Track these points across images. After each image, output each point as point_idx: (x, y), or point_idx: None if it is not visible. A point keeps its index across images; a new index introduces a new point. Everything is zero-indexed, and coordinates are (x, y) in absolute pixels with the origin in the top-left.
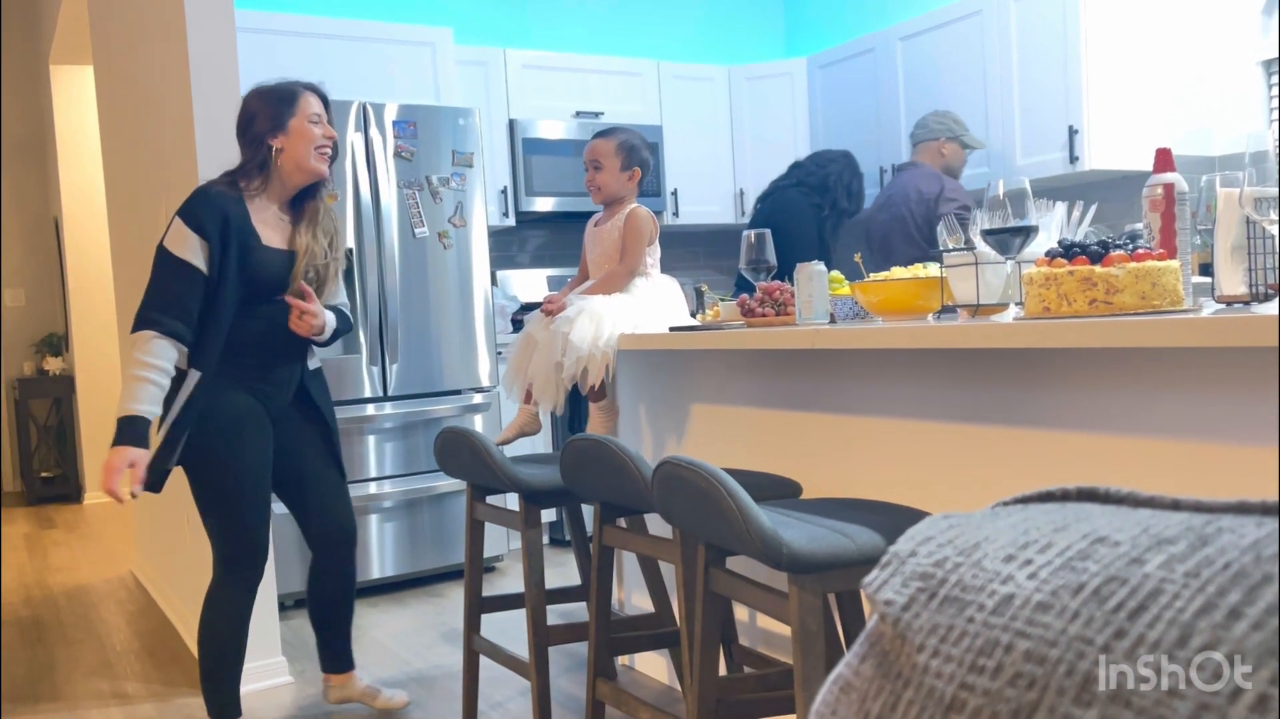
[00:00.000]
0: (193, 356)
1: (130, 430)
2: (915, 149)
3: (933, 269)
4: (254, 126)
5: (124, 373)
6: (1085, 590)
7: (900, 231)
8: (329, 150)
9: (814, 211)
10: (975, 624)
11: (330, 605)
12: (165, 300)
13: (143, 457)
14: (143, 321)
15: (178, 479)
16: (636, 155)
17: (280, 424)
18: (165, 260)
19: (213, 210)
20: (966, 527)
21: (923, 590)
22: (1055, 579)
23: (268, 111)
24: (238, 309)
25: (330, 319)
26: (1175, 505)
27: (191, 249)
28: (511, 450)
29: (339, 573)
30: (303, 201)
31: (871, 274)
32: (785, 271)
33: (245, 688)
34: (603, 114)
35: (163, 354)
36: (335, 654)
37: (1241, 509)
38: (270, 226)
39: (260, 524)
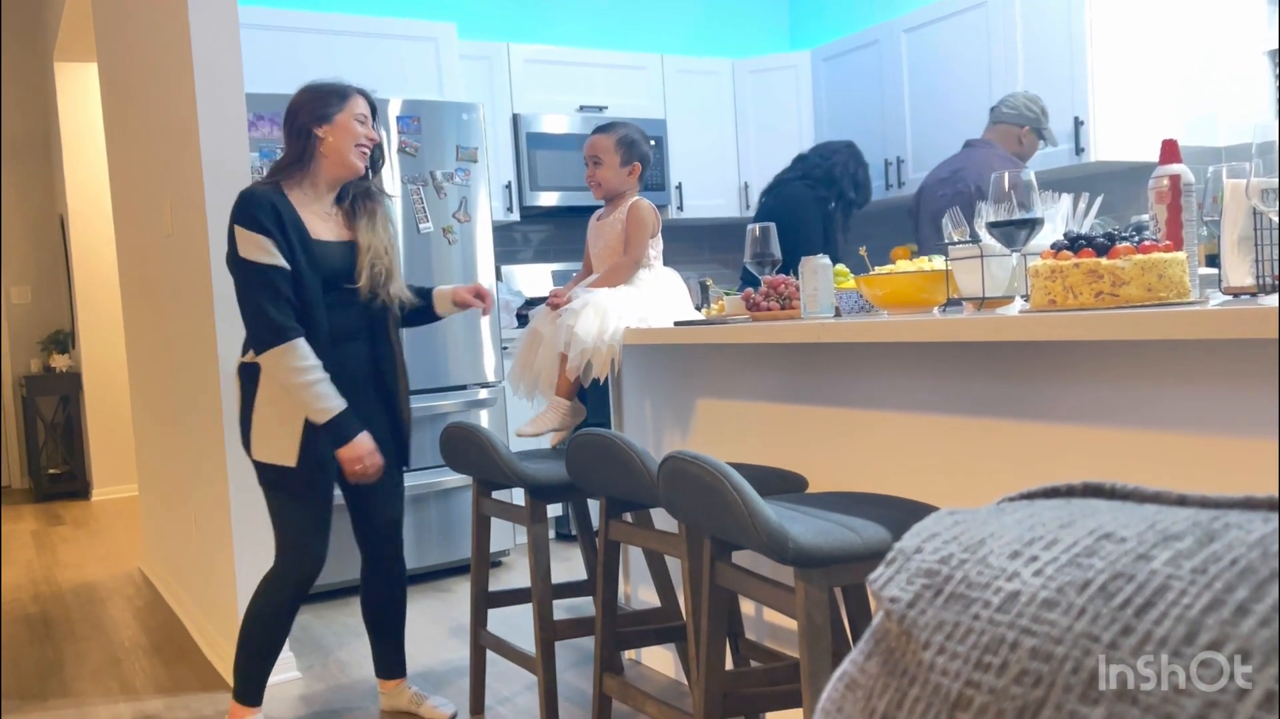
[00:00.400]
0: None
1: (347, 425)
2: (993, 127)
3: (938, 262)
4: (300, 116)
5: (292, 385)
6: (1091, 587)
7: (965, 208)
8: (368, 150)
9: (819, 205)
10: (981, 621)
11: (385, 609)
12: (277, 304)
13: (369, 440)
14: (272, 334)
15: (184, 477)
16: (636, 150)
17: (369, 423)
18: (248, 270)
19: (264, 207)
20: (972, 523)
21: (928, 587)
22: (1061, 576)
23: (316, 103)
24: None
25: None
26: (1182, 501)
27: (265, 249)
28: (516, 445)
29: (392, 578)
30: (357, 200)
31: (902, 259)
32: (791, 265)
33: None
34: (607, 108)
35: (310, 354)
36: (386, 659)
37: (1248, 505)
38: (318, 218)
39: (322, 534)
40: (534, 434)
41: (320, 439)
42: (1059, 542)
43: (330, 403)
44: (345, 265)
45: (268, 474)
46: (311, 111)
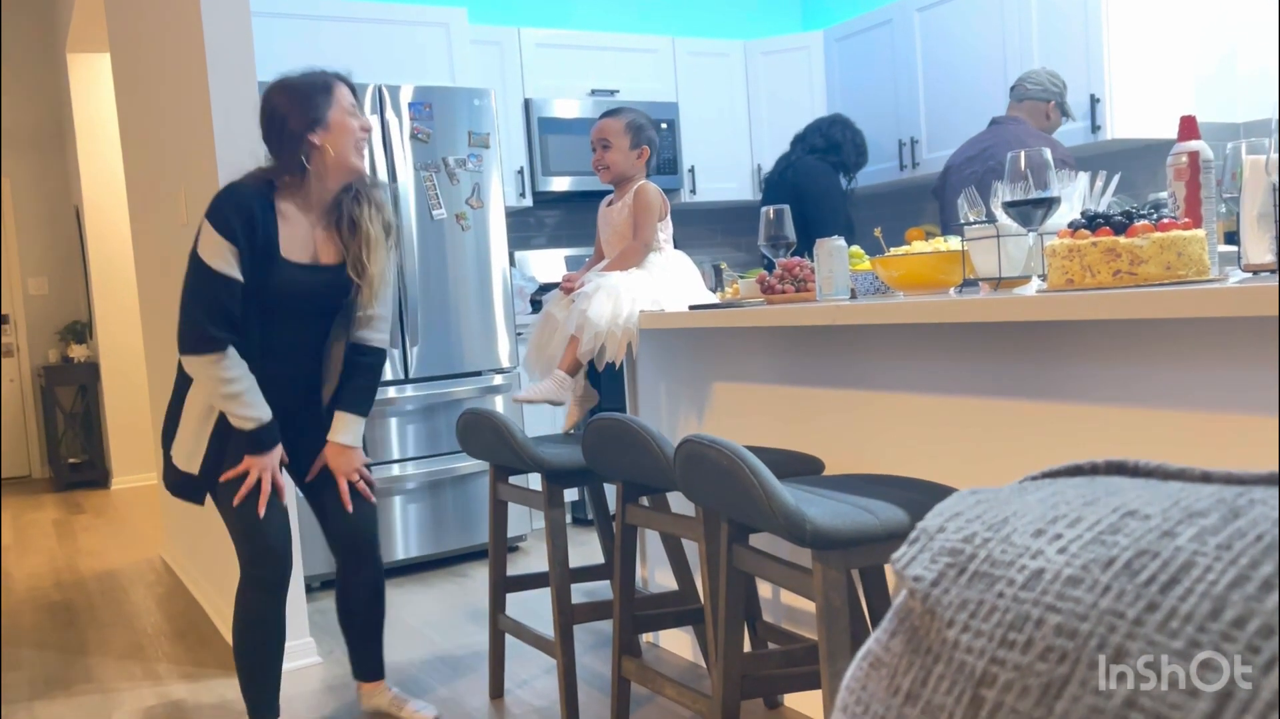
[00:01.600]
0: None
1: (273, 435)
2: (1019, 104)
3: (954, 242)
4: (290, 124)
5: (218, 395)
6: (1116, 564)
7: (991, 186)
8: (364, 145)
9: (835, 172)
10: (1005, 599)
11: (356, 614)
12: (215, 314)
13: (274, 460)
14: (203, 342)
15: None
16: (644, 134)
17: (306, 429)
18: (202, 271)
19: (242, 212)
20: (994, 502)
21: (951, 566)
22: (1085, 553)
23: (304, 105)
24: (263, 318)
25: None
26: (1206, 478)
27: (225, 259)
28: (532, 430)
29: (362, 582)
30: (350, 212)
31: (917, 240)
32: (816, 237)
33: None
34: (618, 92)
35: (238, 364)
36: (363, 662)
37: (1273, 481)
38: (299, 240)
39: (275, 527)
40: (527, 401)
41: (229, 448)
42: (1083, 519)
43: (257, 411)
44: (313, 288)
45: (177, 480)
46: (302, 116)
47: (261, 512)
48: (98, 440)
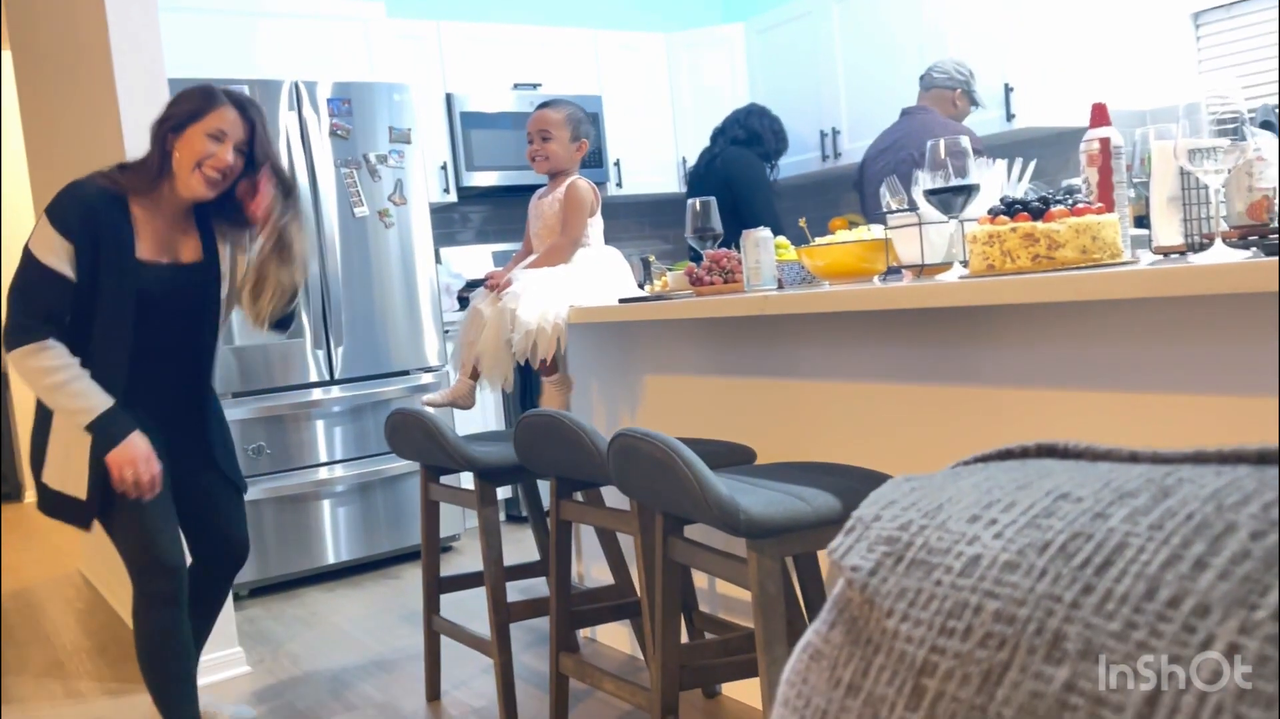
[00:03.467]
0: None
1: (121, 422)
2: (927, 93)
3: (877, 231)
4: (162, 122)
5: (43, 389)
6: (1051, 548)
7: (907, 175)
8: (215, 176)
9: (758, 162)
10: (943, 587)
11: (202, 619)
12: (37, 308)
13: (143, 444)
14: (24, 332)
15: None
16: (583, 127)
17: (188, 430)
18: (31, 266)
19: (83, 210)
20: (929, 489)
21: (889, 555)
22: (1021, 538)
23: (180, 109)
24: (132, 319)
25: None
26: (1133, 458)
27: (57, 254)
28: (463, 428)
29: (220, 591)
30: (224, 220)
31: (841, 229)
32: (746, 226)
33: (204, 680)
34: (541, 85)
35: (61, 355)
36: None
37: (1199, 459)
38: (155, 237)
39: (167, 536)
40: (436, 405)
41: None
42: (1017, 503)
43: (91, 401)
44: (174, 287)
45: (54, 503)
46: (170, 117)
47: (147, 496)
48: (8, 452)
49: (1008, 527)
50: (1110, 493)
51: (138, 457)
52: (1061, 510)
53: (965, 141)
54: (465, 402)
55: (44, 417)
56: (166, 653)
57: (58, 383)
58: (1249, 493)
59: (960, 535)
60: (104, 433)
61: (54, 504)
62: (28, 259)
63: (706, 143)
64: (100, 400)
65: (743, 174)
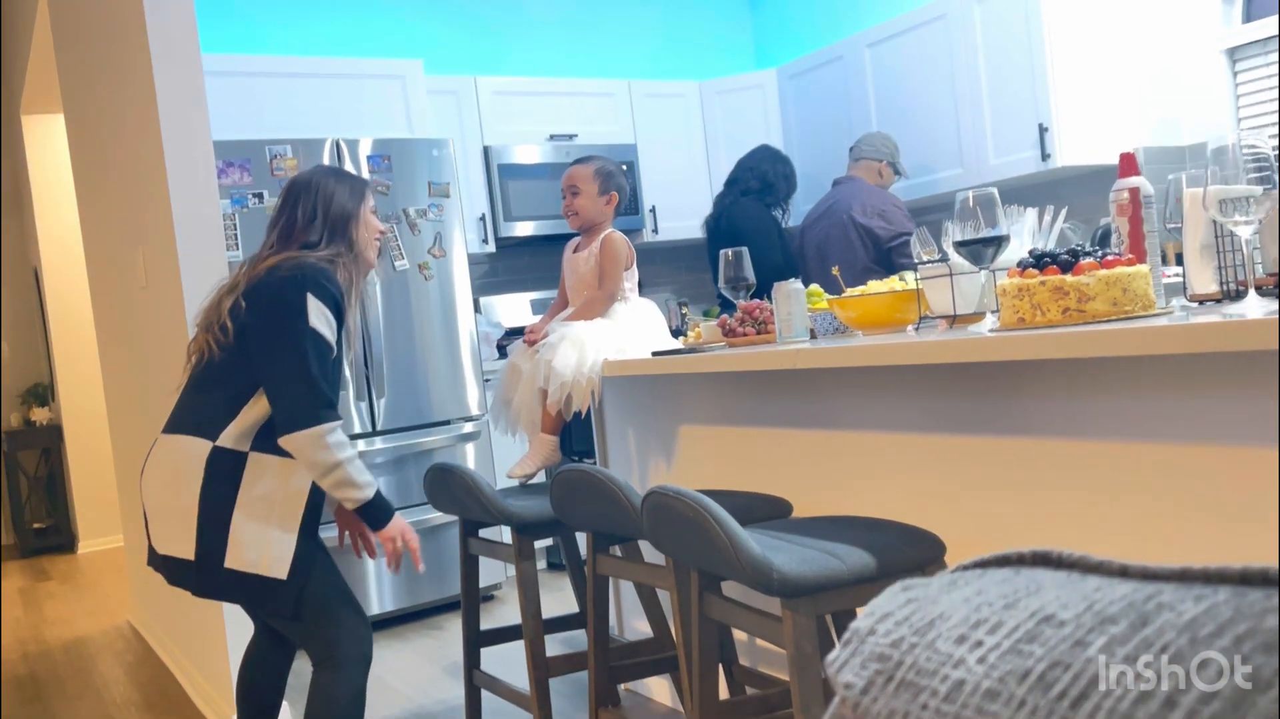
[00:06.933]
0: None
1: (386, 501)
2: (855, 164)
3: (910, 280)
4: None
5: (330, 465)
6: (1031, 677)
7: (840, 239)
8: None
9: (770, 214)
10: (929, 711)
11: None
12: (328, 383)
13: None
14: (326, 409)
15: None
16: (613, 181)
17: None
18: (314, 341)
19: (337, 288)
20: (923, 601)
21: (880, 673)
22: (1003, 664)
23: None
24: None
25: None
26: (1124, 572)
27: (331, 328)
28: (502, 482)
29: (285, 656)
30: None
31: (848, 289)
32: (759, 281)
33: None
34: (576, 136)
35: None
36: None
37: (1184, 577)
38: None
39: (347, 597)
40: (522, 476)
41: (315, 543)
42: (1003, 625)
43: (370, 477)
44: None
45: (247, 588)
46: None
47: (420, 567)
48: (63, 504)
49: (991, 650)
50: (1092, 617)
51: (407, 526)
52: (1044, 635)
53: (994, 193)
54: (554, 459)
55: (220, 499)
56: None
57: (349, 457)
58: (1223, 623)
59: (947, 658)
60: (384, 507)
61: (231, 586)
62: (313, 338)
63: (721, 187)
64: (372, 477)
65: (754, 229)
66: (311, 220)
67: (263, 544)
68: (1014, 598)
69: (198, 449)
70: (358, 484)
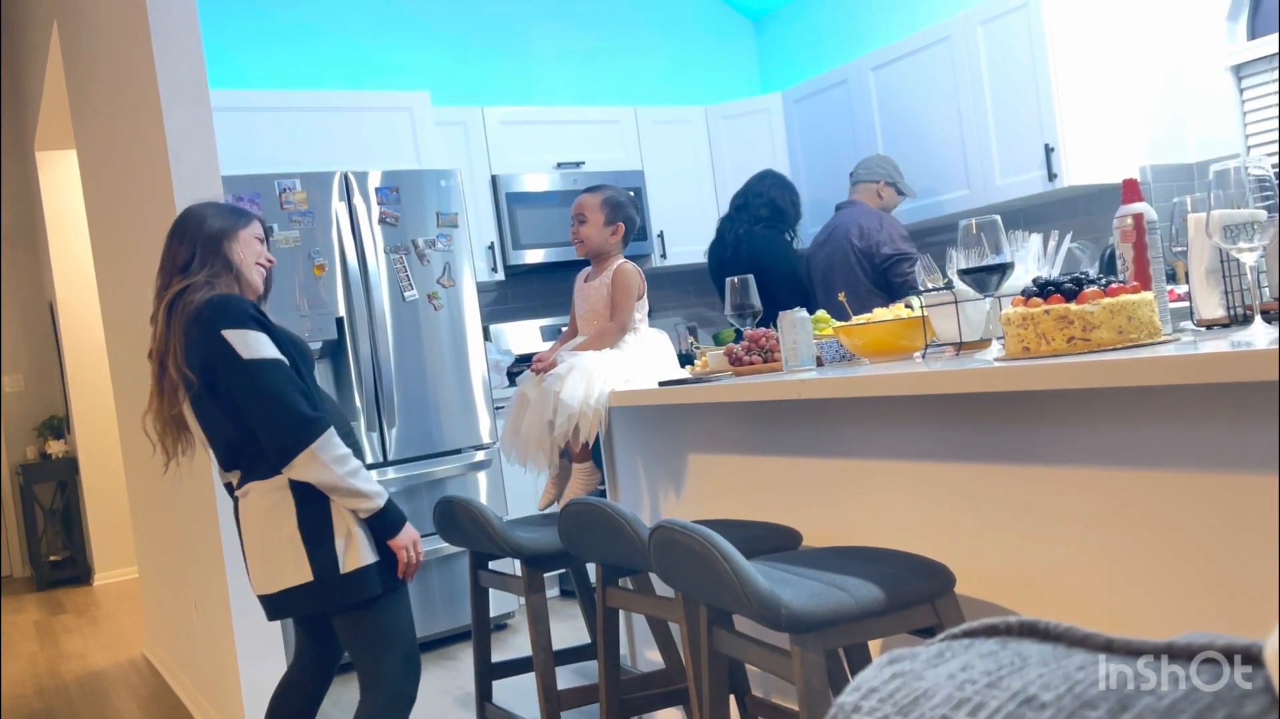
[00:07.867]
0: None
1: (397, 509)
2: (855, 188)
3: (917, 307)
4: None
5: (337, 477)
6: None
7: (842, 264)
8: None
9: (785, 242)
10: None
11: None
12: (304, 396)
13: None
14: (310, 426)
15: (182, 560)
16: (621, 211)
17: None
18: (261, 369)
19: (245, 304)
20: (909, 676)
21: None
22: None
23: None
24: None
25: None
26: (1109, 646)
27: (267, 344)
28: (516, 509)
29: (325, 678)
30: None
31: (855, 316)
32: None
33: None
34: (584, 164)
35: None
36: None
37: (1170, 653)
38: None
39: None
40: (561, 503)
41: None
42: (984, 706)
43: (377, 485)
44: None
45: (352, 587)
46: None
47: (409, 579)
48: (79, 536)
49: None
50: (1072, 700)
51: (417, 537)
52: None
53: (997, 220)
54: (593, 480)
55: (317, 510)
56: None
57: (355, 468)
58: (1200, 710)
59: None
60: (396, 515)
61: (349, 591)
62: (256, 367)
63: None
64: (379, 486)
65: (774, 262)
66: (181, 244)
67: (348, 539)
68: (998, 675)
69: (276, 483)
70: (365, 494)
